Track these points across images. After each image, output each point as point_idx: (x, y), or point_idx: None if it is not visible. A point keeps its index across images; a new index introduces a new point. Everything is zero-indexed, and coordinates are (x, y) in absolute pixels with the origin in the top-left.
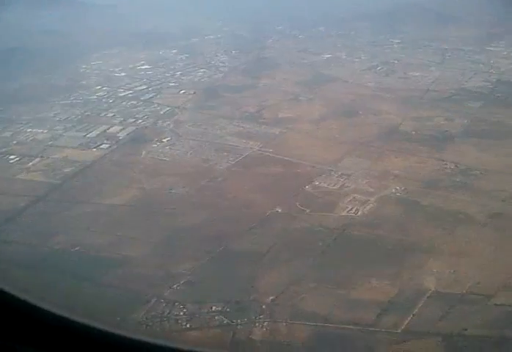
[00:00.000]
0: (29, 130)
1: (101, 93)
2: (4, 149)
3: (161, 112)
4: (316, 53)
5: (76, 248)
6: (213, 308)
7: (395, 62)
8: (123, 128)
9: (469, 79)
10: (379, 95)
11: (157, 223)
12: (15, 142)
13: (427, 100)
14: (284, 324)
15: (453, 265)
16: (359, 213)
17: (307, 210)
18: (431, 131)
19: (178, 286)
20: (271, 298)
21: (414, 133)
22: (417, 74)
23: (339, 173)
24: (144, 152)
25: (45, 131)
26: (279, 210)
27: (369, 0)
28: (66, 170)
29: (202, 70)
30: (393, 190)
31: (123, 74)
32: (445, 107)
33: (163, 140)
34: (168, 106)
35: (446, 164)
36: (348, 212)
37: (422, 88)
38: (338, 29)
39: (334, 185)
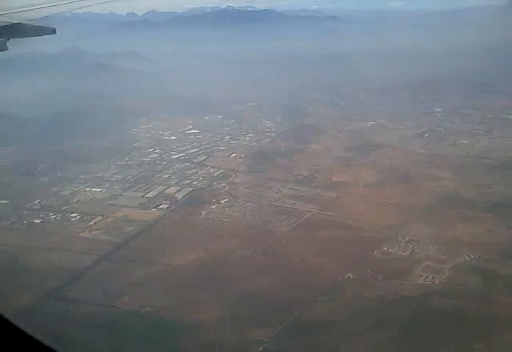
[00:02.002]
0: (88, 189)
1: (154, 155)
2: (64, 207)
3: (215, 174)
4: (360, 120)
5: (146, 310)
6: None
7: (441, 130)
8: (180, 189)
9: None
10: (431, 162)
11: (225, 286)
12: (75, 200)
13: (482, 168)
14: None
15: None
16: (436, 282)
17: (380, 277)
18: (493, 198)
19: None
20: None
21: (476, 200)
22: (466, 142)
23: (407, 239)
24: (203, 213)
25: (104, 190)
26: (351, 276)
27: (406, 70)
28: (128, 229)
29: (249, 135)
30: (467, 258)
31: (173, 137)
32: (503, 174)
33: (221, 201)
34: (221, 169)
35: None
36: (424, 280)
37: (474, 155)
38: (378, 98)
39: (403, 252)
